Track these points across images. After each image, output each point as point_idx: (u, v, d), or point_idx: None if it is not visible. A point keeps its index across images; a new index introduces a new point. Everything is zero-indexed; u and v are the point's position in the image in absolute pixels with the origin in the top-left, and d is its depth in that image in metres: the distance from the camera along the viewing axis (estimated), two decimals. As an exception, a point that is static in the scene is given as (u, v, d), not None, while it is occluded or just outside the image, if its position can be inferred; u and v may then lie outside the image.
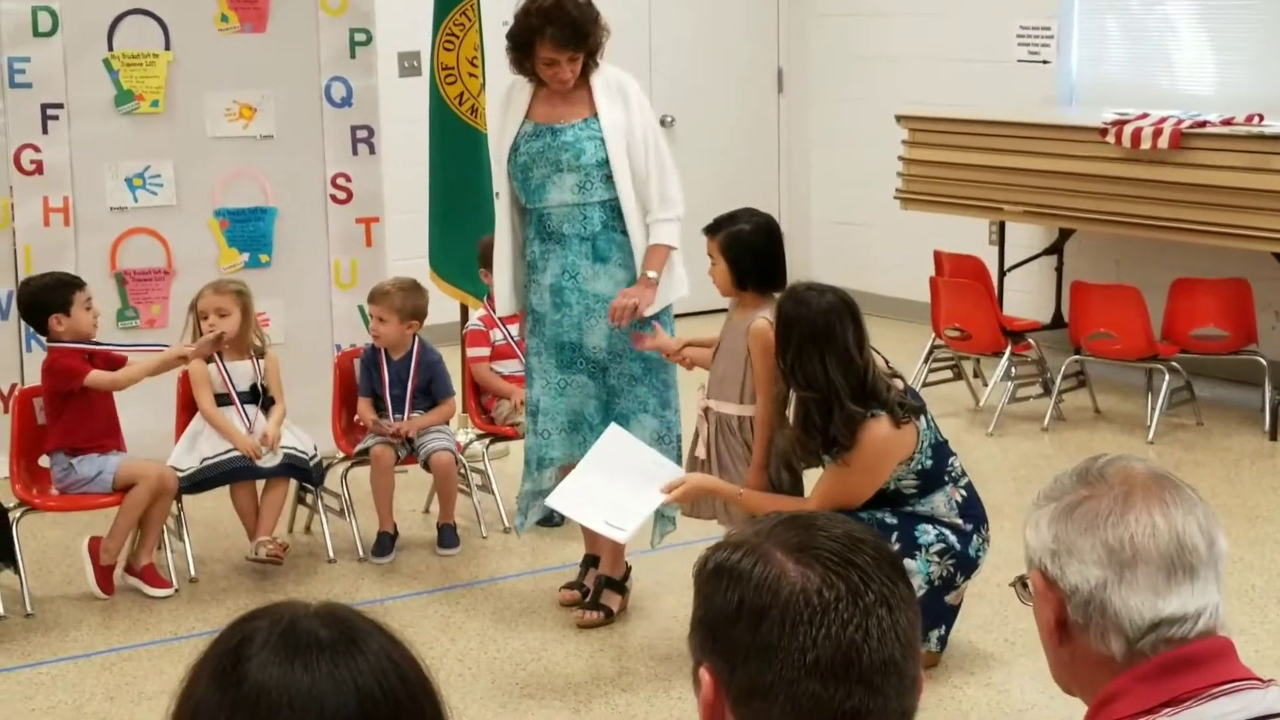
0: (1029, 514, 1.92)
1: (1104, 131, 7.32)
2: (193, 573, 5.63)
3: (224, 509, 5.78)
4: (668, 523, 5.25)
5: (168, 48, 6.72)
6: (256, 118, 6.85)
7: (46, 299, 5.55)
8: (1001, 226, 8.40)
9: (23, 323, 6.20)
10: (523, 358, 5.49)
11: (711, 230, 4.95)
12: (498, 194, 5.30)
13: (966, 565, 4.67)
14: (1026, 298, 8.49)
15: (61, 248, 6.60)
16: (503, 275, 5.29)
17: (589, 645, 5.05)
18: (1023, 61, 8.93)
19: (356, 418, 6.05)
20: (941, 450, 4.68)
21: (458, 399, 6.30)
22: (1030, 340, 7.69)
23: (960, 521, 4.67)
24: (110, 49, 6.66)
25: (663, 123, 5.31)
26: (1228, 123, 7.13)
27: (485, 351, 6.37)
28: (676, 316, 5.32)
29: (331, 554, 5.82)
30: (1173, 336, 7.36)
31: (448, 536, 5.92)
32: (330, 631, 1.43)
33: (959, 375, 7.95)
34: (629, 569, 5.31)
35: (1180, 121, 7.19)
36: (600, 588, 5.24)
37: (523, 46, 5.07)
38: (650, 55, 9.78)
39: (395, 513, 5.95)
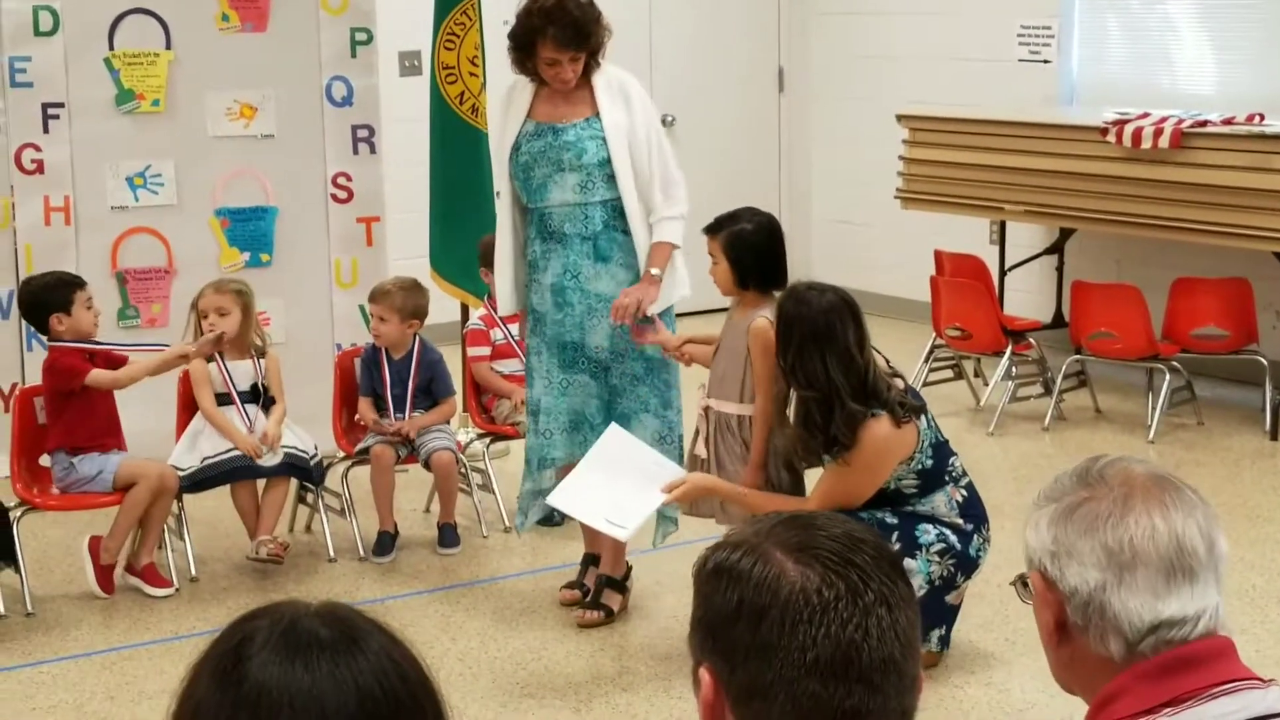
0: (1029, 514, 1.93)
1: (1105, 131, 7.32)
2: (193, 572, 5.63)
3: (224, 508, 5.79)
4: (669, 523, 5.25)
5: (168, 47, 6.72)
6: (257, 117, 6.85)
7: (47, 298, 5.55)
8: (1002, 226, 8.40)
9: (23, 322, 6.20)
10: (523, 357, 5.49)
11: (713, 230, 4.95)
12: (498, 193, 5.30)
13: (967, 565, 4.67)
14: (1027, 297, 8.49)
15: (62, 247, 6.60)
16: (504, 275, 5.29)
17: (589, 645, 5.05)
18: (1023, 61, 8.93)
19: (357, 417, 6.06)
20: (942, 450, 4.68)
21: (458, 398, 6.30)
22: (1031, 340, 7.69)
23: (961, 521, 4.67)
24: (111, 48, 6.66)
25: (663, 122, 5.31)
26: (1228, 122, 7.13)
27: (486, 351, 6.37)
28: (677, 316, 5.32)
29: (332, 553, 5.82)
30: (1173, 336, 7.36)
31: (448, 536, 5.92)
32: (331, 631, 1.43)
33: (959, 375, 7.95)
34: (629, 568, 5.31)
35: (1181, 121, 7.19)
36: (601, 587, 5.24)
37: (524, 46, 5.07)
38: (651, 54, 9.78)
39: (396, 512, 5.95)
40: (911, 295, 8.97)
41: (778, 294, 4.81)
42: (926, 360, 7.89)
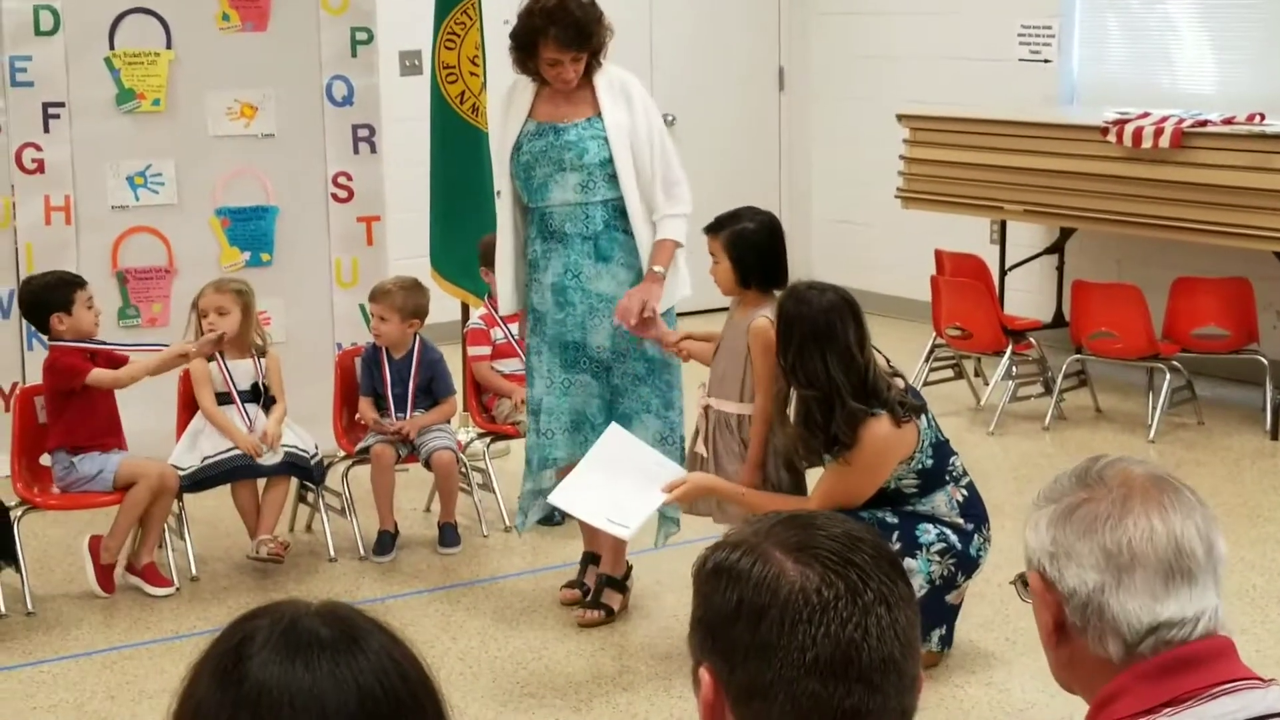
0: (1028, 515, 1.93)
1: (1105, 131, 7.32)
2: (194, 571, 5.63)
3: (225, 507, 5.79)
4: (671, 524, 5.25)
5: (169, 46, 6.72)
6: (258, 116, 6.86)
7: (48, 298, 5.55)
8: (1002, 225, 8.40)
9: (24, 321, 6.21)
10: (523, 356, 5.49)
11: (714, 229, 4.95)
12: (499, 193, 5.30)
13: (967, 565, 4.67)
14: (1027, 297, 8.49)
15: (63, 246, 6.60)
16: (505, 274, 5.28)
17: (590, 644, 5.05)
18: (1024, 60, 8.93)
19: (358, 416, 6.06)
20: (942, 449, 4.68)
21: (459, 398, 6.30)
22: (1031, 339, 7.69)
23: (961, 521, 4.67)
24: (112, 48, 6.66)
25: (664, 121, 5.30)
26: (1229, 122, 7.13)
27: (486, 350, 6.37)
28: (678, 315, 5.32)
29: (332, 553, 5.82)
30: (1174, 336, 7.36)
31: (449, 535, 5.92)
32: (331, 630, 1.43)
33: (960, 374, 7.95)
34: (630, 568, 5.31)
35: (1181, 121, 7.19)
36: (601, 587, 5.24)
37: (526, 46, 5.07)
38: (651, 54, 9.78)
39: (396, 511, 5.95)
40: (912, 295, 8.97)
41: (778, 293, 4.81)
42: (927, 360, 7.89)
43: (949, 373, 7.96)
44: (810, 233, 10.24)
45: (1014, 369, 7.61)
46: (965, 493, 4.71)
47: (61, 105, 6.61)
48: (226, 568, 5.75)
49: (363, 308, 6.66)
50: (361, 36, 6.97)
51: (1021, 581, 1.93)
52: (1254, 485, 6.55)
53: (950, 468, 4.69)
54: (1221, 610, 1.84)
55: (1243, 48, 8.10)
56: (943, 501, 4.66)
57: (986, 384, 7.75)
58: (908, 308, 9.17)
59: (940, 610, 4.67)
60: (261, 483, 5.71)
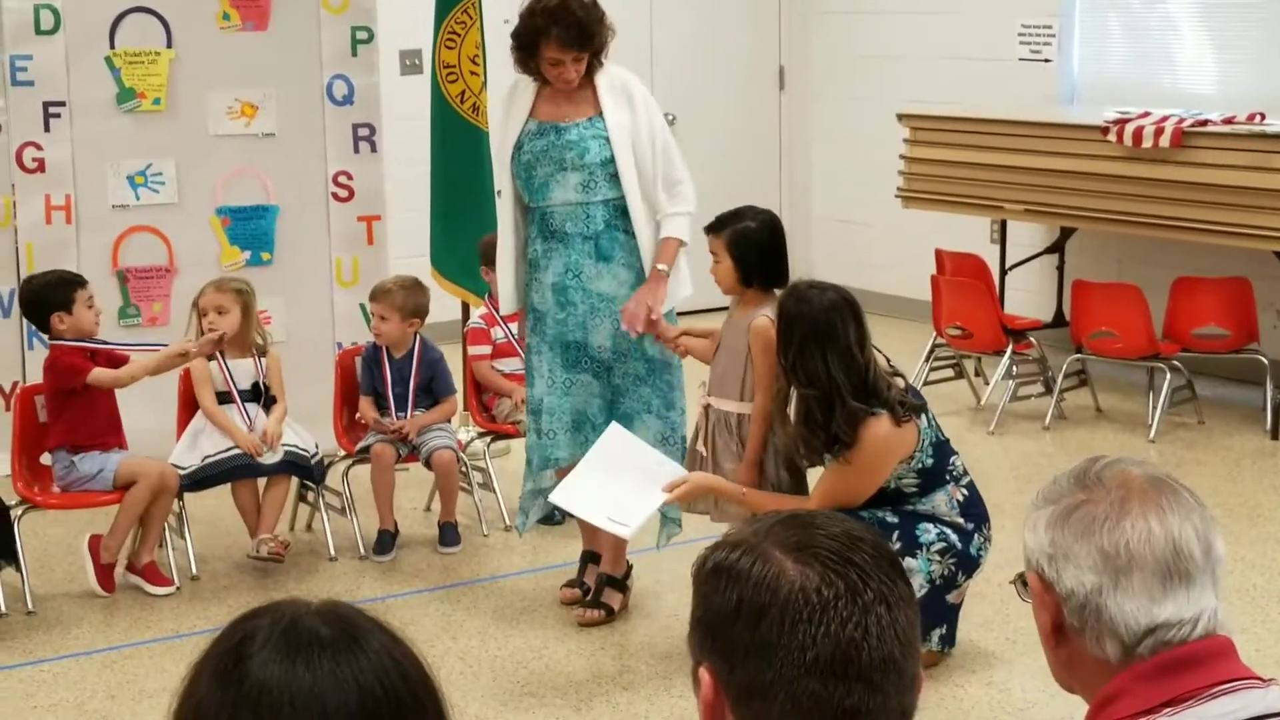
0: (1027, 515, 1.93)
1: (1105, 130, 7.32)
2: (194, 570, 5.63)
3: (225, 507, 5.79)
4: (673, 525, 5.25)
5: (169, 46, 6.72)
6: (258, 116, 6.86)
7: (48, 297, 5.55)
8: (1003, 225, 8.40)
9: (24, 320, 6.21)
10: (523, 356, 5.49)
11: (715, 228, 4.95)
12: (499, 192, 5.30)
13: (968, 564, 4.67)
14: (1028, 296, 8.49)
15: (63, 246, 6.60)
16: (506, 274, 5.27)
17: (590, 643, 5.05)
18: (1024, 60, 8.93)
19: (358, 416, 6.06)
20: (943, 449, 4.68)
21: (459, 397, 6.30)
22: (1031, 339, 7.69)
23: (962, 520, 4.67)
24: (112, 47, 6.66)
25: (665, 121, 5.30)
26: (1229, 121, 7.13)
27: (486, 349, 6.37)
28: (678, 315, 5.32)
29: (333, 552, 5.82)
30: (1174, 335, 7.36)
31: (449, 534, 5.92)
32: (332, 629, 1.43)
33: (960, 374, 7.95)
34: (630, 567, 5.31)
35: (1182, 120, 7.19)
36: (601, 586, 5.24)
37: (527, 46, 5.07)
38: (651, 53, 9.78)
39: (396, 511, 5.95)
40: (912, 294, 8.97)
41: (779, 292, 4.81)
42: (927, 359, 7.89)
43: (949, 372, 7.96)
44: (810, 232, 10.24)
45: (1014, 368, 7.61)
46: (965, 492, 4.71)
47: (62, 104, 6.61)
48: (227, 567, 5.76)
49: (363, 307, 6.66)
50: (362, 36, 6.97)
51: (1021, 581, 1.93)
52: (1254, 485, 6.55)
53: (950, 467, 4.69)
54: (1221, 611, 1.84)
55: (1243, 47, 8.10)
56: (943, 501, 4.66)
57: (987, 383, 7.75)
58: (908, 307, 9.17)
59: (941, 610, 4.66)
60: (262, 482, 5.71)
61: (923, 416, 4.62)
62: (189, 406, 5.76)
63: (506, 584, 5.62)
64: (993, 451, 7.14)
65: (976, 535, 4.68)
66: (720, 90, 10.11)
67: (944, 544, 4.62)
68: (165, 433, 5.80)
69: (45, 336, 5.66)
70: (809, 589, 1.48)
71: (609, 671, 4.85)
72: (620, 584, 5.26)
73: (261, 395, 5.75)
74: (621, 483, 4.70)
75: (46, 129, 6.60)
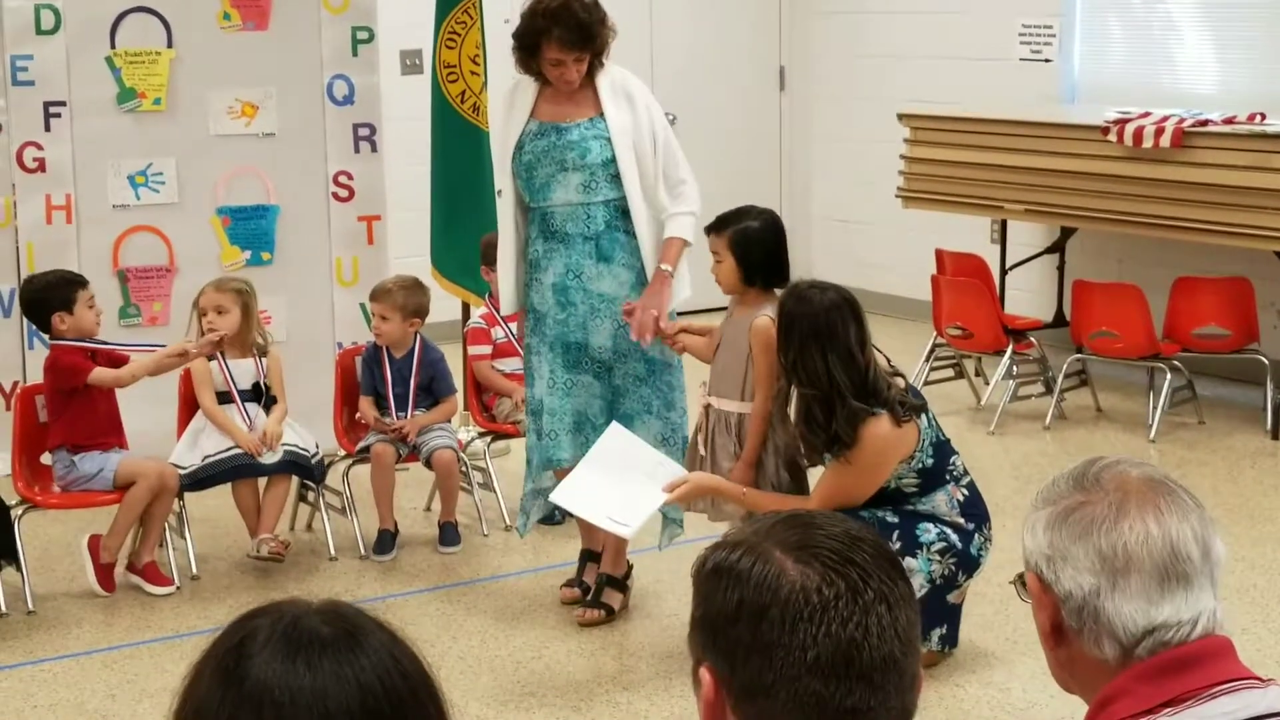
0: (1026, 516, 1.93)
1: (1106, 130, 7.32)
2: (194, 570, 5.63)
3: (226, 506, 5.79)
4: (675, 526, 5.25)
5: (170, 45, 6.72)
6: (259, 115, 6.86)
7: (49, 297, 5.56)
8: (1003, 225, 8.40)
9: (25, 320, 6.21)
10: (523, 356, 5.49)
11: (717, 227, 4.94)
12: (499, 192, 5.30)
13: (968, 564, 4.67)
14: (1028, 296, 8.49)
15: (64, 245, 6.60)
16: (506, 274, 5.27)
17: (590, 643, 5.05)
18: (1025, 60, 8.93)
19: (358, 415, 6.06)
20: (943, 449, 4.68)
21: (459, 397, 6.30)
22: (1032, 339, 7.69)
23: (962, 520, 4.67)
24: (113, 47, 6.66)
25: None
26: (1230, 121, 7.13)
27: (487, 349, 6.37)
28: (678, 315, 5.31)
29: (333, 552, 5.82)
30: (1174, 335, 7.36)
31: (449, 534, 5.92)
32: (332, 629, 1.43)
33: (960, 374, 7.95)
34: (630, 567, 5.31)
35: (1182, 120, 7.19)
36: (601, 586, 5.24)
37: (529, 47, 5.06)
38: (652, 53, 9.78)
39: (396, 510, 5.96)
40: (912, 294, 8.98)
41: (779, 292, 4.81)
42: (927, 359, 7.89)
43: (949, 372, 7.96)
44: (810, 232, 10.24)
45: (1014, 368, 7.61)
46: (966, 492, 4.71)
47: (63, 104, 6.62)
48: (227, 566, 5.76)
49: (363, 307, 6.66)
50: (362, 35, 6.98)
51: (1021, 581, 1.93)
52: (1254, 485, 6.55)
53: (951, 467, 4.69)
54: (1220, 612, 1.84)
55: (1243, 47, 8.10)
56: (943, 501, 4.66)
57: (987, 383, 7.76)
58: (908, 307, 9.18)
59: (941, 610, 4.66)
60: (262, 482, 5.71)
61: (923, 416, 4.62)
62: (189, 406, 5.77)
63: (506, 584, 5.62)
64: (993, 451, 7.14)
65: (977, 535, 4.68)
66: (720, 90, 10.11)
67: (944, 544, 4.62)
68: (165, 433, 5.80)
69: (46, 336, 5.66)
70: (810, 589, 1.48)
71: (609, 671, 4.85)
72: (620, 584, 5.26)
73: (262, 395, 5.76)
74: (622, 483, 4.70)
75: (47, 129, 6.60)
